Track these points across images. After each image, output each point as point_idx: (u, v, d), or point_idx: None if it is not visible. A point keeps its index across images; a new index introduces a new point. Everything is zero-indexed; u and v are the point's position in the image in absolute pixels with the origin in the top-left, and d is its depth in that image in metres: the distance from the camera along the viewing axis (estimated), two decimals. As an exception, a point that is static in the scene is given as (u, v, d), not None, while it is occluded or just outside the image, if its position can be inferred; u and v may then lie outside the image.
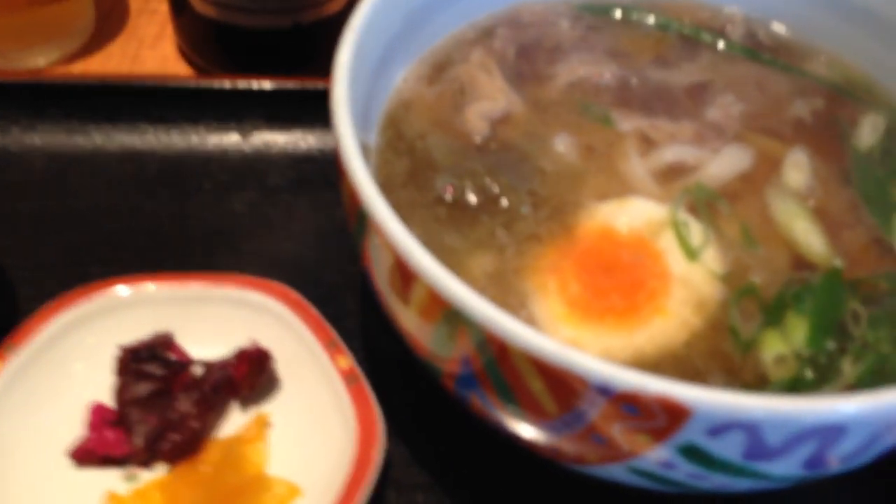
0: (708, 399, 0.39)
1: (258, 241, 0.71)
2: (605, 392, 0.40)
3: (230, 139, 0.77)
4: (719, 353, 0.49)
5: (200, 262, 0.69)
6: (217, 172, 0.75)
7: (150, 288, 0.64)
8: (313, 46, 0.83)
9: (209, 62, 0.86)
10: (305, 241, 0.72)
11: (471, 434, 0.59)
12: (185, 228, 0.72)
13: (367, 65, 0.55)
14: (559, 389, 0.42)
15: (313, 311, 0.63)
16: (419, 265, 0.43)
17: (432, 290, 0.43)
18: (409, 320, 0.49)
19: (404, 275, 0.45)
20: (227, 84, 0.77)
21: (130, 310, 0.64)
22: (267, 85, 0.77)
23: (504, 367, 0.43)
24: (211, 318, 0.64)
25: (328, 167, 0.75)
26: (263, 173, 0.76)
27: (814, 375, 0.48)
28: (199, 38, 0.85)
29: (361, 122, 0.54)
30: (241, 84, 0.77)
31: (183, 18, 0.85)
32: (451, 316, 0.43)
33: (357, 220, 0.48)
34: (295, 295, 0.64)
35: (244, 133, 0.77)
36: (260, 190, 0.74)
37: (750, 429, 0.40)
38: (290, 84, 0.78)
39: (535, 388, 0.43)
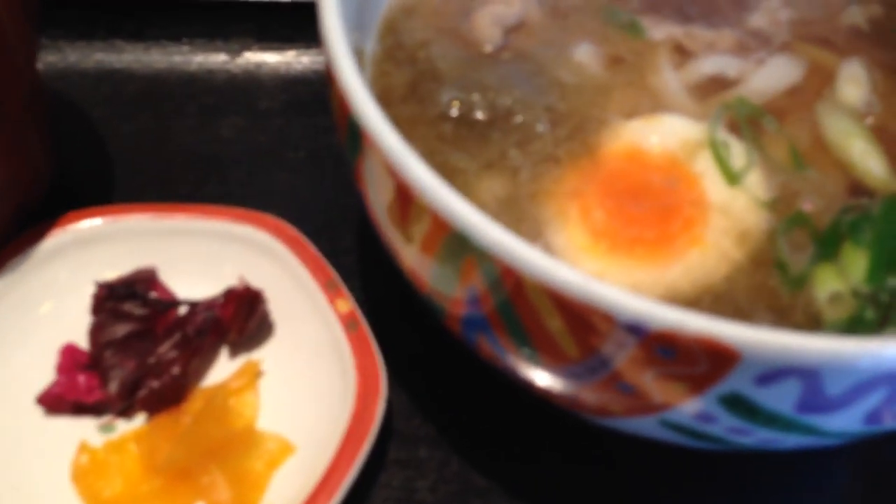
0: (760, 341, 0.33)
1: (247, 170, 0.66)
2: (637, 332, 0.34)
3: (217, 58, 0.71)
4: (765, 291, 0.43)
5: (184, 192, 0.64)
6: (202, 94, 0.69)
7: (130, 219, 0.58)
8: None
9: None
10: (299, 170, 0.66)
11: (480, 382, 0.54)
12: (166, 155, 0.66)
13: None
14: (581, 329, 0.36)
15: (311, 247, 0.57)
16: (418, 181, 0.37)
17: (433, 210, 0.37)
18: (409, 250, 0.42)
19: (402, 194, 0.39)
20: (213, -4, 0.70)
21: (108, 243, 0.59)
22: (257, -2, 0.71)
23: (517, 303, 0.37)
24: (198, 253, 0.59)
25: (325, 89, 0.68)
26: (253, 96, 0.69)
27: (875, 315, 0.42)
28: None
29: (355, 27, 0.47)
30: (229, -3, 0.71)
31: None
32: (455, 242, 0.37)
33: (348, 135, 0.42)
34: (290, 229, 0.58)
35: (232, 51, 0.71)
36: (249, 114, 0.68)
37: (808, 376, 0.34)
38: (283, -2, 0.71)
39: (553, 328, 0.37)
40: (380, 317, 0.57)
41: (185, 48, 0.71)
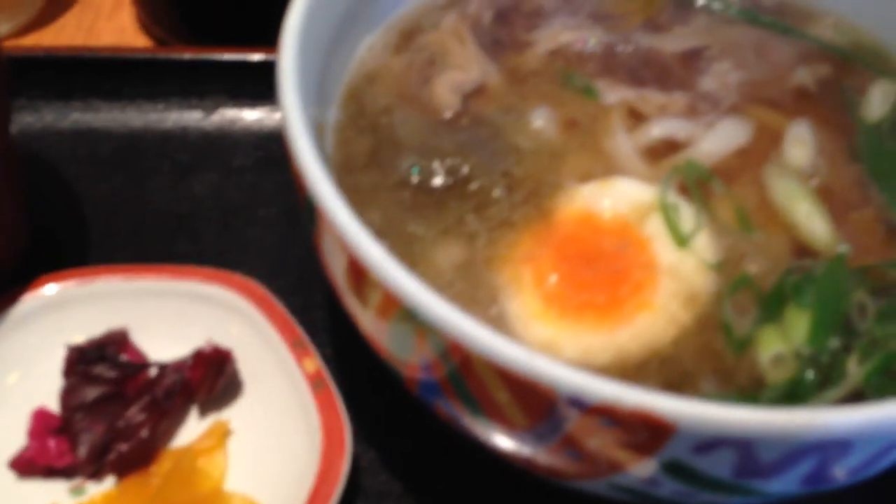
0: (693, 413, 0.35)
1: (220, 228, 0.67)
2: (578, 405, 0.36)
3: (191, 116, 0.72)
4: (711, 353, 0.45)
5: (157, 251, 0.65)
6: (176, 152, 0.70)
7: (101, 282, 0.59)
8: (282, 17, 0.77)
9: (170, 34, 0.80)
10: (272, 226, 0.67)
11: (444, 440, 0.55)
12: (141, 214, 0.67)
13: (323, 31, 0.50)
14: (527, 401, 0.37)
15: (279, 307, 0.58)
16: (368, 258, 0.38)
17: (384, 287, 0.38)
18: (366, 316, 0.44)
19: (355, 269, 0.40)
20: (187, 56, 0.72)
21: (80, 306, 0.59)
22: (231, 57, 0.72)
23: (466, 375, 0.39)
24: (168, 313, 0.59)
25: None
26: (228, 153, 0.71)
27: (816, 377, 0.43)
28: (159, 6, 0.80)
29: (316, 96, 0.49)
30: (203, 56, 0.72)
31: (143, -14, 0.80)
32: (406, 317, 0.39)
33: (306, 208, 0.43)
34: (260, 290, 0.59)
35: (206, 109, 0.72)
36: (223, 171, 0.69)
37: (741, 446, 0.35)
38: (256, 56, 0.72)
39: (500, 399, 0.38)
40: (349, 373, 0.58)
41: (161, 106, 0.72)
